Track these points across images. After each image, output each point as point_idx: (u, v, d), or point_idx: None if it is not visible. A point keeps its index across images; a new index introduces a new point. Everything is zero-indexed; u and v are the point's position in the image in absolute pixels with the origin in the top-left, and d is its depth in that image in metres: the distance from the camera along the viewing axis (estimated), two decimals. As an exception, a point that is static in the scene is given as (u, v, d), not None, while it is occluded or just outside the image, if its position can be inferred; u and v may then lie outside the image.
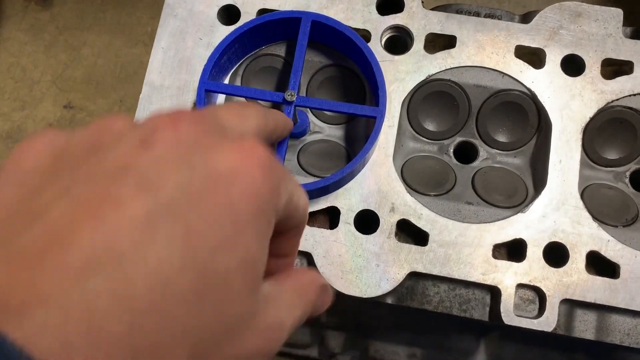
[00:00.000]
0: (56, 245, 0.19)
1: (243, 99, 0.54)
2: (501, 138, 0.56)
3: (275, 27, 0.53)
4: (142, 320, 0.19)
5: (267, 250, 0.25)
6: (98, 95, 0.86)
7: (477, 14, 0.59)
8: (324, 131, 0.58)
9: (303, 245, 0.51)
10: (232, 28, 0.56)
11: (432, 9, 0.61)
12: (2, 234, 0.20)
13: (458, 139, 0.56)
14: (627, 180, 0.54)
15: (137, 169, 0.21)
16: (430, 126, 0.56)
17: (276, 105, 0.57)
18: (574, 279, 0.49)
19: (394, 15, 0.56)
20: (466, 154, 0.56)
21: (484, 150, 0.56)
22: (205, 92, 0.51)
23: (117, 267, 0.19)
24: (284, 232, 0.29)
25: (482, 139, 0.56)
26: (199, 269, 0.20)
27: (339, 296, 0.50)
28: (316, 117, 0.58)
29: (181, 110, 0.25)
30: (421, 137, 0.56)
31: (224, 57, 0.53)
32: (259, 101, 0.55)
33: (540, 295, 0.50)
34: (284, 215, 0.27)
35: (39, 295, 0.18)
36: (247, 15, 0.56)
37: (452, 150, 0.56)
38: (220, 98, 0.56)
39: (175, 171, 0.21)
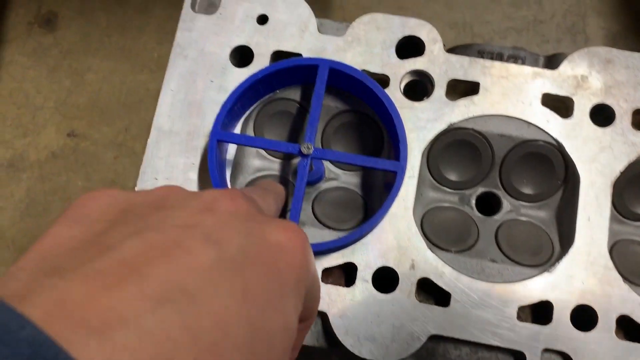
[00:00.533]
0: (134, 274, 0.20)
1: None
2: (526, 189, 0.53)
3: (291, 72, 0.51)
4: (204, 357, 0.20)
5: (297, 324, 0.27)
6: (102, 122, 0.84)
7: (500, 56, 0.57)
8: (340, 178, 0.55)
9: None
10: (244, 70, 0.54)
11: (452, 49, 0.58)
12: (77, 258, 0.21)
13: (480, 189, 0.54)
14: (658, 237, 0.52)
15: (203, 227, 0.24)
16: (451, 175, 0.54)
17: (292, 156, 0.54)
18: (603, 344, 0.47)
19: (413, 59, 0.53)
20: (489, 205, 0.54)
21: (507, 202, 0.53)
22: (218, 142, 0.48)
23: (189, 303, 0.20)
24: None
25: (505, 190, 0.53)
26: (251, 323, 0.22)
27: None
28: (332, 163, 0.55)
29: (235, 189, 0.30)
30: (442, 187, 0.54)
31: (237, 104, 0.50)
32: (274, 151, 0.53)
33: (568, 361, 0.47)
34: (305, 298, 0.28)
35: (119, 317, 0.19)
36: (261, 57, 0.54)
37: (474, 201, 0.53)
38: (232, 146, 0.53)
39: (236, 235, 0.24)
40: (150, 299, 0.20)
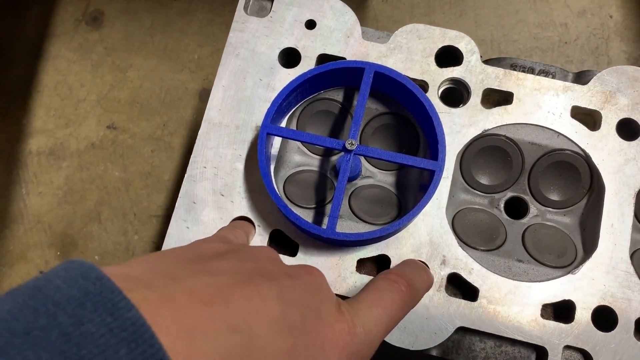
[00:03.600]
0: (221, 298, 0.26)
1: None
2: (552, 196, 0.56)
3: (337, 74, 0.54)
4: None
5: None
6: (142, 117, 0.88)
7: (532, 70, 0.60)
8: (375, 176, 0.58)
9: (352, 293, 0.51)
10: (291, 71, 0.57)
11: (486, 61, 0.62)
12: (186, 271, 0.27)
13: (509, 194, 0.57)
14: (676, 247, 0.55)
15: (281, 286, 0.29)
16: (482, 179, 0.57)
17: (331, 153, 0.58)
18: (622, 345, 0.49)
19: (452, 68, 0.57)
20: (516, 209, 0.57)
21: (534, 207, 0.56)
22: (267, 135, 0.51)
23: (250, 340, 0.25)
24: None
25: (533, 196, 0.56)
26: None
27: (386, 344, 0.50)
28: (368, 162, 0.59)
29: (312, 269, 0.34)
30: (473, 190, 0.57)
31: (285, 102, 0.54)
32: (314, 148, 0.57)
33: (587, 358, 0.50)
34: None
35: (203, 329, 0.24)
36: (307, 59, 0.57)
37: (502, 204, 0.56)
38: (277, 140, 0.56)
39: (302, 304, 0.29)
40: (226, 324, 0.25)
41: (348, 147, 0.50)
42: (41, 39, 0.91)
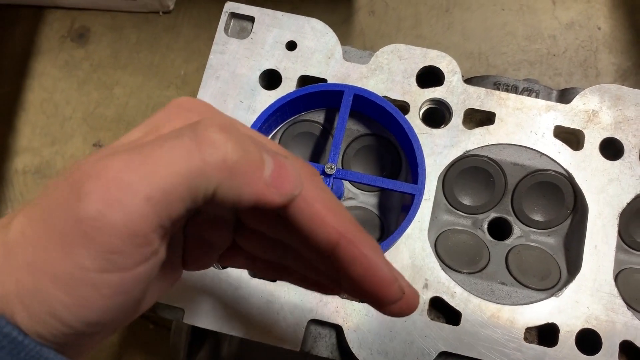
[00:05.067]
0: None
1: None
2: (536, 217, 0.56)
3: (318, 96, 0.54)
4: None
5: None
6: (128, 135, 0.87)
7: (515, 88, 0.60)
8: (358, 198, 0.58)
9: (333, 318, 0.51)
10: (272, 92, 0.57)
11: (469, 79, 0.61)
12: None
13: (492, 214, 0.56)
14: (661, 267, 0.54)
15: None
16: (465, 200, 0.56)
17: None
18: (607, 368, 0.49)
19: (433, 88, 0.56)
20: (500, 230, 0.56)
21: (517, 228, 0.56)
22: (246, 160, 0.51)
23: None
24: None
25: (516, 216, 0.56)
26: None
27: (368, 371, 0.50)
28: (351, 183, 0.58)
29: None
30: (456, 211, 0.56)
31: (265, 124, 0.53)
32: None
33: (572, 383, 0.49)
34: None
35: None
36: (288, 80, 0.57)
37: (486, 225, 0.56)
38: (258, 163, 0.56)
39: None
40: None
41: (327, 171, 0.50)
42: (26, 56, 0.90)
